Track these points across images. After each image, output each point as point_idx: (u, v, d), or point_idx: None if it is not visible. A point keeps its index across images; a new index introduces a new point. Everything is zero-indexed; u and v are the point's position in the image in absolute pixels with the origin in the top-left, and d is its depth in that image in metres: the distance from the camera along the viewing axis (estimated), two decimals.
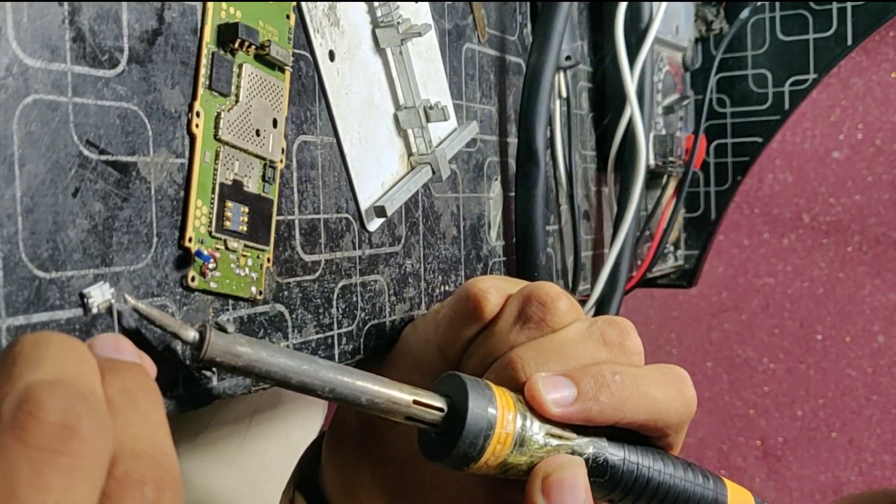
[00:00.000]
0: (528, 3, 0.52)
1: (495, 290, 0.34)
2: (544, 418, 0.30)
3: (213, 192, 0.30)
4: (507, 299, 0.34)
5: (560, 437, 0.30)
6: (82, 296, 0.25)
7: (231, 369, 0.26)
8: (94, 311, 0.26)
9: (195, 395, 0.29)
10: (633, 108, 0.57)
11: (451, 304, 0.35)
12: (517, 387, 0.31)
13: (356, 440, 0.38)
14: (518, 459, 0.30)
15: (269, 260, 0.33)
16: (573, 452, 0.31)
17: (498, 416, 0.29)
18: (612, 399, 0.31)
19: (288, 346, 0.34)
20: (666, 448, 0.33)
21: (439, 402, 0.29)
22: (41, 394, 0.19)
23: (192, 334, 0.25)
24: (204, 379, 0.29)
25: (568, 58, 0.55)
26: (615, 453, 0.31)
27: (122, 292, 0.26)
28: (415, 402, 0.28)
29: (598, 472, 0.31)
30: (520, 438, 0.29)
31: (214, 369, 0.26)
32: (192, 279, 0.29)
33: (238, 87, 0.31)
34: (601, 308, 0.58)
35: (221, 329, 0.26)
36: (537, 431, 0.30)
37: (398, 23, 0.38)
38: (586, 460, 0.31)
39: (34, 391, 0.19)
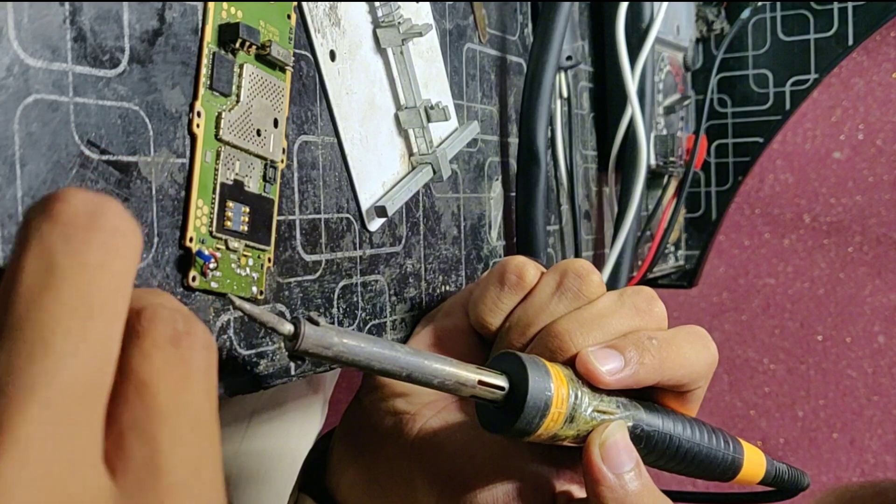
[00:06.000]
0: (529, 3, 0.52)
1: (531, 264, 0.37)
2: (593, 393, 0.33)
3: (213, 192, 0.30)
4: (542, 274, 0.37)
5: (604, 412, 0.33)
6: None
7: (321, 358, 0.28)
8: None
9: None
10: (633, 108, 0.57)
11: (492, 279, 0.37)
12: (565, 357, 0.34)
13: (389, 439, 0.38)
14: (567, 432, 0.33)
15: (269, 260, 0.33)
16: None
17: (553, 396, 0.32)
18: (653, 361, 0.34)
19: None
20: (695, 399, 0.37)
21: (501, 382, 0.32)
22: (68, 191, 0.20)
23: (287, 327, 0.27)
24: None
25: (569, 58, 0.55)
26: (651, 424, 0.35)
27: (230, 294, 0.29)
28: (479, 382, 0.31)
29: (636, 440, 0.34)
30: (570, 416, 0.32)
31: (306, 358, 0.29)
32: (193, 279, 0.29)
33: (239, 87, 0.31)
34: None
35: (313, 322, 0.28)
36: (586, 408, 0.33)
37: (399, 23, 0.38)
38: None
39: (61, 192, 0.20)
